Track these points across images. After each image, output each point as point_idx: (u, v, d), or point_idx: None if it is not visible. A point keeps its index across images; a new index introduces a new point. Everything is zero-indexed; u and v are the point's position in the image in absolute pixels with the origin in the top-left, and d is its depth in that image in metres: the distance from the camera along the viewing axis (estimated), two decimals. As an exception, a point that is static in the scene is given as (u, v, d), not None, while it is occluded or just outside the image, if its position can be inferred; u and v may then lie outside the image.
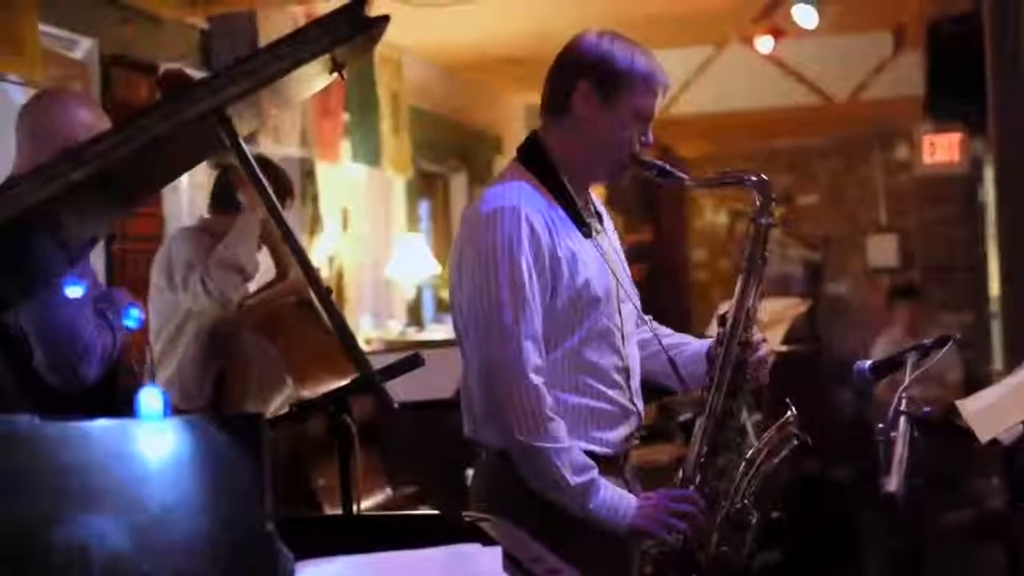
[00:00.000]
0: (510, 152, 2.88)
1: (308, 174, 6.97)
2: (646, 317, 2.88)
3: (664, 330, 2.91)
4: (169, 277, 3.69)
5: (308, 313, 3.48)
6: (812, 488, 6.97)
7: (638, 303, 2.81)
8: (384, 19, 1.88)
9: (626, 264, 2.81)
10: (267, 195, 1.91)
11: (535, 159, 2.69)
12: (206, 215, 4.01)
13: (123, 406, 2.70)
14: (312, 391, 3.34)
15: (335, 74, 1.96)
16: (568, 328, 2.60)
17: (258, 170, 1.92)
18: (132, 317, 2.72)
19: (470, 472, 2.85)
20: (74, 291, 2.41)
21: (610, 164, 2.69)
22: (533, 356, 2.53)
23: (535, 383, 2.52)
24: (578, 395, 2.61)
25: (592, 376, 2.63)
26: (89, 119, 2.80)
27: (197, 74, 5.02)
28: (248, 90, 1.78)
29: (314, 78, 2.01)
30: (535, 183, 2.64)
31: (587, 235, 2.66)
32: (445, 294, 8.61)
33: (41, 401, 2.68)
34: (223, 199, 3.89)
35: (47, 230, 1.88)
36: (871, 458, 2.53)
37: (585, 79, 2.64)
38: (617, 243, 2.82)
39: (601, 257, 2.67)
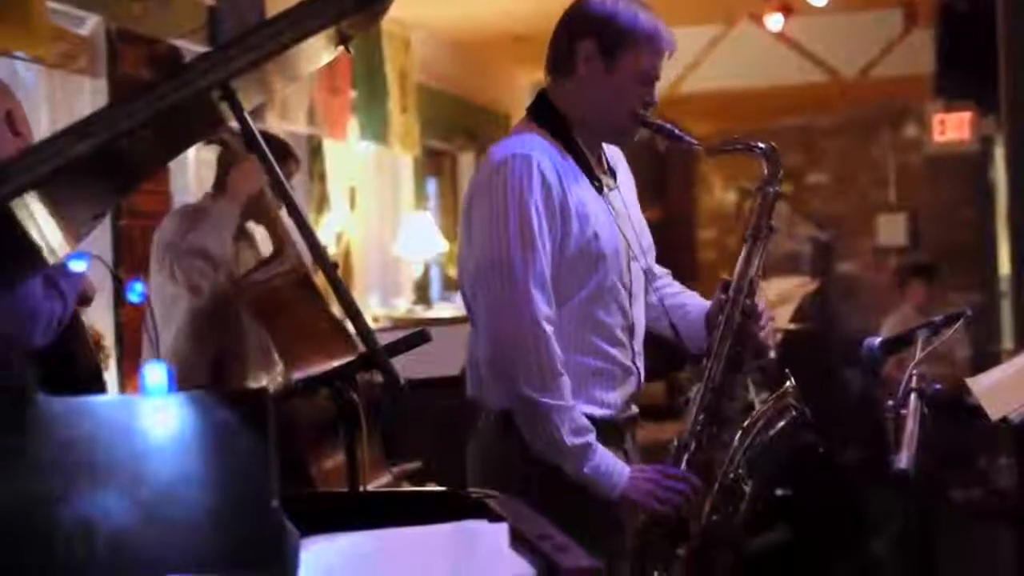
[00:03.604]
0: (518, 130, 2.85)
1: (315, 152, 6.96)
2: (661, 271, 2.86)
3: (674, 286, 2.89)
4: (156, 257, 3.66)
5: (304, 292, 3.44)
6: (819, 467, 6.96)
7: (652, 259, 2.79)
8: (390, -8, 1.86)
9: (643, 220, 2.79)
10: (273, 169, 1.90)
11: (546, 115, 2.66)
12: (209, 192, 3.98)
13: (86, 383, 2.69)
14: (301, 372, 3.30)
15: (341, 48, 1.95)
16: (576, 283, 2.58)
17: (264, 145, 1.90)
18: (135, 291, 2.71)
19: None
20: (78, 265, 2.40)
21: (615, 125, 2.66)
22: (543, 305, 2.51)
23: (546, 332, 2.50)
24: (582, 353, 2.59)
25: (597, 334, 2.61)
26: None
27: (203, 50, 5.00)
28: (252, 63, 1.76)
29: (320, 51, 2.00)
30: (546, 137, 2.62)
31: (599, 191, 2.65)
32: (452, 272, 8.60)
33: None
34: (224, 182, 3.84)
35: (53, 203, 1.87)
36: (879, 437, 2.52)
37: (588, 39, 2.61)
38: (634, 198, 2.79)
39: (611, 213, 2.65)
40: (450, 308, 7.93)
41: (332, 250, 6.92)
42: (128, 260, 4.91)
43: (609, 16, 2.60)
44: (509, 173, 2.52)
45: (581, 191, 2.60)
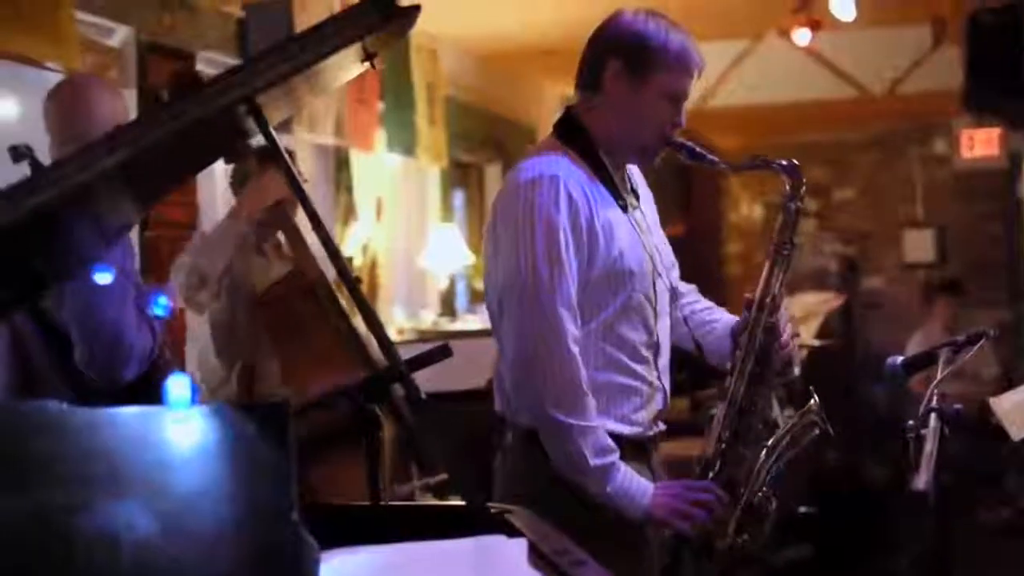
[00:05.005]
0: (544, 143, 2.86)
1: (343, 163, 6.98)
2: (687, 287, 2.87)
3: (700, 303, 2.89)
4: None
5: (321, 308, 3.42)
6: (843, 484, 6.93)
7: (676, 276, 2.79)
8: (415, 8, 1.88)
9: (665, 239, 2.79)
10: (297, 184, 1.91)
11: (571, 133, 2.67)
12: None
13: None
14: (300, 393, 3.29)
15: (366, 64, 1.96)
16: (602, 301, 2.58)
17: (288, 159, 1.92)
18: (160, 305, 2.72)
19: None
20: (103, 278, 2.42)
21: (641, 144, 2.67)
22: (570, 326, 2.51)
23: (573, 353, 2.50)
24: (607, 371, 2.60)
25: (622, 351, 2.61)
26: (112, 106, 2.81)
27: (233, 63, 5.03)
28: (280, 77, 1.78)
29: (348, 65, 2.01)
30: (572, 156, 2.62)
31: (623, 209, 2.65)
32: (478, 284, 8.61)
33: (80, 389, 2.68)
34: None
35: (84, 215, 1.88)
36: (903, 455, 2.51)
37: (617, 57, 2.61)
38: (655, 218, 2.80)
39: (636, 231, 2.66)
40: (476, 321, 7.93)
41: (358, 261, 6.94)
42: (156, 271, 4.94)
43: (639, 35, 2.60)
44: (536, 193, 2.52)
45: (607, 210, 2.60)
